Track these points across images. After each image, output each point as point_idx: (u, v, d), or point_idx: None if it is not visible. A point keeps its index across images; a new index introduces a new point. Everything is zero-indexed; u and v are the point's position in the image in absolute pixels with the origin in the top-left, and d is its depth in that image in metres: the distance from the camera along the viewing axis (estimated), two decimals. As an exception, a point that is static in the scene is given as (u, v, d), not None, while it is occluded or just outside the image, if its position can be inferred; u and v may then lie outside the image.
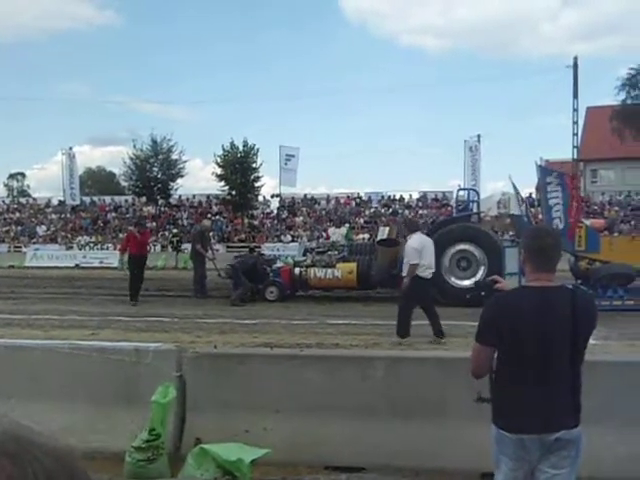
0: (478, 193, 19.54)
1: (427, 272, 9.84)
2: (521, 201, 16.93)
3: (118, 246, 38.08)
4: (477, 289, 3.42)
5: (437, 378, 4.92)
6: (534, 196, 36.30)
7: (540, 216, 23.09)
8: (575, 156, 28.86)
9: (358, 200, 44.64)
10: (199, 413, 5.13)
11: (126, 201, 46.94)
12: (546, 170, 16.24)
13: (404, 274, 9.88)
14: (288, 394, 5.13)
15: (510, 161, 75.83)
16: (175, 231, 33.87)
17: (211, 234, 25.09)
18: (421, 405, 4.89)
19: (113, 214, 45.23)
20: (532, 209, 30.38)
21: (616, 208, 39.00)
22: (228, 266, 15.92)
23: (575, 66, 28.57)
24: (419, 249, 9.75)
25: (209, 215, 39.30)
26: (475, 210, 16.86)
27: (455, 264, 14.94)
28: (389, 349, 8.94)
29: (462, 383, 4.68)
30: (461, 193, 19.84)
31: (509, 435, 2.97)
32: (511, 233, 20.26)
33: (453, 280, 14.85)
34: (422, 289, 9.83)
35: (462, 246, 14.91)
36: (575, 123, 28.28)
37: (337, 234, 18.61)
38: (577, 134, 28.40)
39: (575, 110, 28.21)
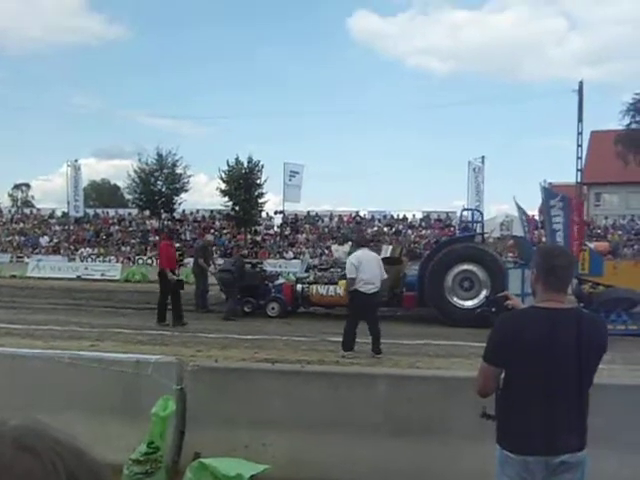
0: (482, 214, 19.54)
1: (367, 287, 10.08)
2: (526, 222, 16.91)
3: (121, 259, 38.32)
4: (488, 305, 3.40)
5: (440, 397, 4.88)
6: (537, 218, 36.36)
7: (543, 238, 23.03)
8: (579, 179, 28.84)
9: (360, 218, 44.70)
10: (199, 427, 5.09)
11: (129, 214, 47.08)
12: (550, 193, 16.24)
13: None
14: (289, 410, 5.09)
15: (514, 183, 76.30)
16: (178, 245, 33.86)
17: (213, 249, 25.03)
18: (423, 424, 4.85)
19: (116, 227, 45.35)
20: (535, 231, 30.40)
21: (619, 232, 39.00)
22: (221, 274, 15.65)
23: (580, 90, 28.67)
24: (356, 264, 10.11)
25: (212, 230, 39.36)
26: (479, 231, 16.85)
27: (458, 284, 14.91)
28: (391, 367, 8.89)
29: (465, 402, 4.65)
30: (465, 213, 19.86)
31: (513, 456, 2.93)
32: (513, 255, 20.20)
33: (455, 300, 14.82)
34: (361, 303, 10.13)
35: (465, 266, 14.89)
36: (579, 146, 28.29)
37: (340, 251, 18.54)
38: (581, 157, 28.39)
39: (580, 134, 28.25)
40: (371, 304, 10.27)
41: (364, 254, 10.38)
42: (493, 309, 3.31)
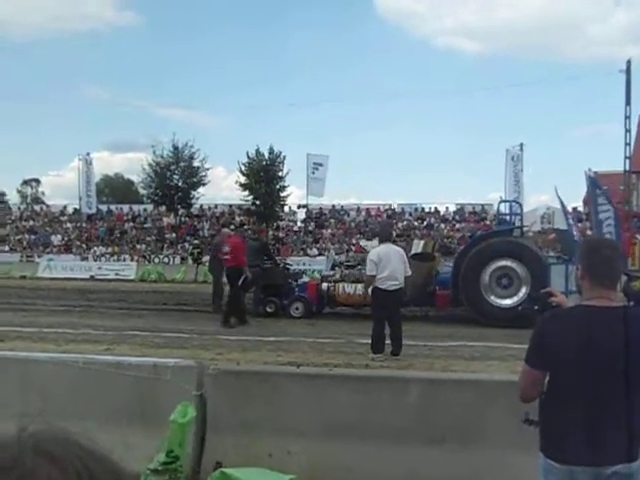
0: (521, 206, 19.34)
1: (387, 283, 10.12)
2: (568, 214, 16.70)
3: (136, 257, 38.70)
4: (530, 302, 3.38)
5: (476, 402, 4.85)
6: (581, 209, 35.93)
7: (588, 232, 22.77)
8: (627, 167, 28.41)
9: (390, 212, 44.59)
10: (220, 435, 5.12)
11: (145, 210, 47.53)
12: (596, 182, 16.06)
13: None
14: (315, 416, 5.10)
15: (555, 172, 75.04)
16: (196, 242, 34.14)
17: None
18: (458, 430, 4.82)
19: (131, 224, 45.84)
20: (579, 224, 30.04)
21: (672, 224, 38.35)
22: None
23: (628, 70, 28.20)
24: (376, 261, 10.20)
25: (232, 226, 39.57)
26: (518, 224, 16.69)
27: (495, 282, 14.79)
28: (424, 370, 8.86)
29: (504, 408, 4.62)
30: (502, 205, 19.67)
31: (558, 466, 2.91)
32: (555, 250, 20.00)
33: (492, 299, 14.71)
34: (382, 301, 10.18)
35: (503, 262, 14.77)
36: (627, 132, 27.86)
37: (369, 247, 18.52)
38: (629, 144, 27.95)
39: (627, 118, 27.81)
40: (393, 302, 10.30)
41: (385, 249, 10.43)
42: (536, 307, 3.29)
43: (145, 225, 45.65)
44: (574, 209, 33.12)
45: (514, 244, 15.09)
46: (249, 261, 14.85)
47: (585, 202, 26.60)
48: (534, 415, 3.08)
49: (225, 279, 15.18)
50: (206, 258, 32.61)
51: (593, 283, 2.95)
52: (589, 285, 2.96)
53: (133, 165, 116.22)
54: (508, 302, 14.56)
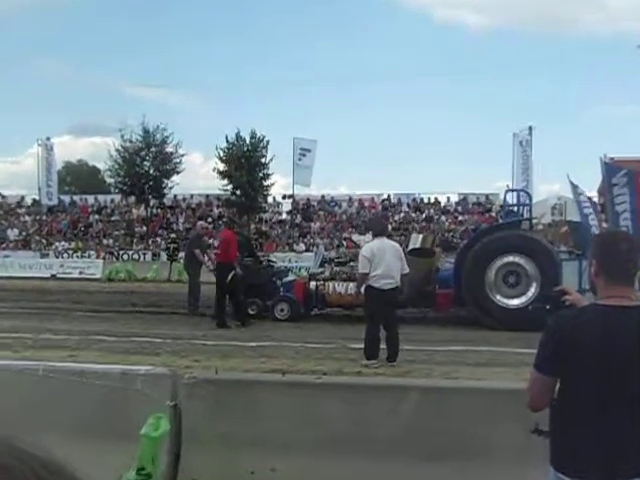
0: (530, 196, 19.43)
1: (381, 282, 10.17)
2: (585, 203, 16.73)
3: (102, 254, 38.58)
4: (541, 301, 3.37)
5: (481, 412, 4.87)
6: (596, 200, 36.12)
7: (604, 224, 22.87)
8: (647, 153, 28.58)
9: (385, 203, 44.65)
10: (196, 450, 5.12)
11: (112, 201, 47.34)
12: (613, 168, 16.11)
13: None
14: (301, 429, 5.11)
15: (568, 159, 75.39)
16: (173, 236, 34.10)
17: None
18: (461, 444, 4.84)
19: (96, 216, 45.64)
20: (602, 214, 30.14)
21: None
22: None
23: (648, 46, 28.35)
24: (369, 257, 10.24)
25: (209, 219, 39.54)
26: (526, 216, 16.77)
27: (502, 279, 14.88)
28: (423, 378, 8.90)
29: (511, 419, 4.64)
30: (509, 195, 19.75)
31: (568, 480, 2.93)
32: (568, 244, 20.10)
33: (499, 298, 14.80)
34: (376, 302, 10.21)
35: (511, 258, 14.85)
36: (647, 113, 27.99)
37: (362, 242, 18.54)
38: (649, 127, 28.11)
39: (647, 98, 27.93)
40: (388, 302, 10.33)
41: (379, 244, 10.47)
42: (547, 306, 3.29)
43: (112, 218, 45.47)
44: (589, 199, 33.20)
45: (522, 238, 15.17)
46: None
47: (600, 192, 26.69)
48: (544, 425, 3.10)
49: (213, 276, 15.38)
50: (182, 254, 32.71)
51: (608, 280, 2.96)
52: (604, 283, 2.98)
53: (99, 151, 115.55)
54: (516, 302, 14.64)
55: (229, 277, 14.44)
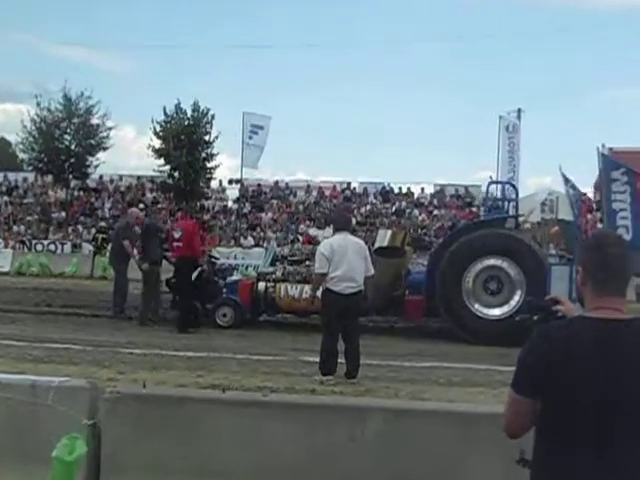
0: (516, 189, 19.67)
1: (341, 285, 10.22)
2: (576, 201, 17.00)
3: (11, 243, 38.03)
4: (528, 311, 3.37)
5: (454, 439, 4.92)
6: (592, 197, 36.72)
7: (599, 224, 23.28)
8: (651, 144, 29.13)
9: (349, 192, 44.78)
10: (118, 476, 5.09)
11: (24, 180, 46.68)
12: (611, 162, 16.39)
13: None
14: (244, 456, 5.11)
15: (561, 148, 76.48)
16: (102, 224, 33.69)
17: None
18: (431, 476, 4.88)
19: (5, 198, 44.97)
20: (589, 215, 30.73)
21: None
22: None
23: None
24: (328, 255, 10.29)
25: (140, 205, 39.21)
26: (512, 212, 16.95)
27: (481, 286, 15.02)
28: (388, 398, 8.95)
29: (488, 447, 4.70)
30: (492, 188, 20.00)
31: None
32: (559, 246, 20.40)
33: (477, 307, 14.94)
34: (334, 308, 10.30)
35: (492, 261, 14.99)
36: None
37: (320, 237, 18.60)
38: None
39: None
40: (349, 309, 10.37)
41: (340, 241, 10.50)
42: (535, 317, 3.31)
43: (25, 200, 44.84)
44: (583, 195, 33.70)
45: (506, 238, 15.32)
46: (158, 253, 15.26)
47: (597, 187, 27.13)
48: (530, 454, 3.13)
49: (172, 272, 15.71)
50: (115, 247, 32.37)
51: (596, 289, 2.99)
52: (591, 292, 3.00)
53: (10, 120, 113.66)
54: (497, 312, 14.80)
55: (194, 274, 14.51)
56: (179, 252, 15.22)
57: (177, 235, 15.21)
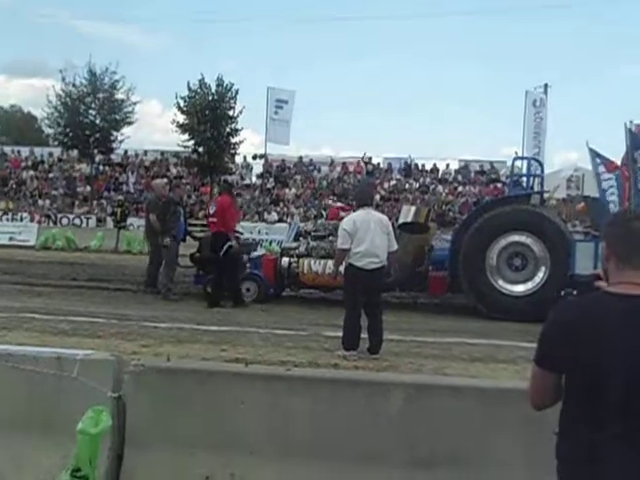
0: (542, 165, 19.51)
1: (364, 261, 10.19)
2: (605, 175, 16.82)
3: (37, 217, 38.23)
4: (570, 285, 3.37)
5: (477, 415, 4.90)
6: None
7: (626, 203, 23.04)
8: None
9: (371, 167, 44.60)
10: (142, 450, 5.11)
11: (50, 155, 46.89)
12: (638, 138, 16.19)
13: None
14: (267, 429, 5.11)
15: (587, 123, 75.84)
16: (121, 199, 33.78)
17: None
18: (453, 451, 4.87)
19: (31, 172, 45.18)
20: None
21: None
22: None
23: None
24: (350, 231, 10.25)
25: (165, 180, 39.23)
26: (537, 188, 16.83)
27: (505, 262, 14.95)
28: (411, 373, 8.94)
29: (511, 423, 4.69)
30: (518, 164, 19.84)
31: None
32: (584, 222, 20.26)
33: (501, 284, 14.88)
34: (357, 283, 10.28)
35: (516, 237, 14.91)
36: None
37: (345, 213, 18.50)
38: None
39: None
40: (372, 284, 10.36)
41: (363, 216, 10.46)
42: (574, 292, 3.30)
43: (50, 174, 45.07)
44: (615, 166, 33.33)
45: (531, 214, 15.22)
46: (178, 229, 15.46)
47: (624, 164, 26.85)
48: None
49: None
50: (135, 221, 32.47)
51: (619, 264, 2.98)
52: (615, 267, 2.99)
53: (37, 95, 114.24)
54: (521, 288, 14.74)
55: (223, 250, 14.66)
56: (214, 227, 15.32)
57: (212, 210, 15.35)
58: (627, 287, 2.92)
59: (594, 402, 2.90)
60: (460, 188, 42.27)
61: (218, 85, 40.26)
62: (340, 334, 10.49)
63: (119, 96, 41.97)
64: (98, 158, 43.87)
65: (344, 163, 45.14)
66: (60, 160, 46.15)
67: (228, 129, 40.58)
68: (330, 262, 14.87)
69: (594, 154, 16.82)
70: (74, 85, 41.42)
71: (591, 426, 2.90)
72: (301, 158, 46.02)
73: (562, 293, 11.61)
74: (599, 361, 2.86)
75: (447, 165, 44.75)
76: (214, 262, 15.08)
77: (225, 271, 14.99)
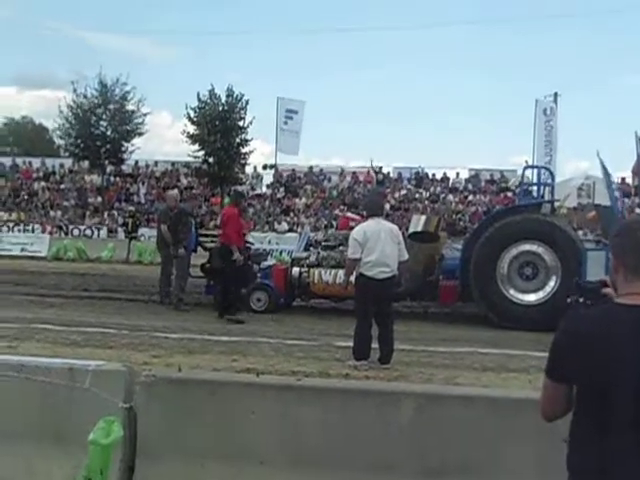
0: (553, 174, 19.51)
1: (375, 270, 10.21)
2: (612, 184, 16.80)
3: (49, 228, 38.37)
4: (577, 292, 3.34)
5: (488, 425, 4.90)
6: (629, 181, 36.26)
7: (637, 210, 23.03)
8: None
9: (381, 176, 44.56)
10: (154, 461, 5.12)
11: (61, 166, 47.03)
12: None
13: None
14: (278, 440, 5.12)
15: (598, 132, 75.62)
16: (132, 209, 33.81)
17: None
18: (464, 461, 4.87)
19: (42, 183, 45.34)
20: (626, 199, 30.33)
21: None
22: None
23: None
24: (361, 241, 10.28)
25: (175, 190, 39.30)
26: (548, 197, 16.81)
27: (516, 271, 14.92)
28: (421, 383, 8.94)
29: (523, 433, 4.68)
30: (528, 173, 19.81)
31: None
32: (595, 231, 20.21)
33: (512, 293, 14.84)
34: (368, 293, 10.29)
35: (527, 246, 14.88)
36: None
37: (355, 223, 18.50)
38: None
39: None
40: (383, 294, 10.37)
41: (373, 226, 10.50)
42: (581, 299, 3.28)
43: (62, 186, 45.20)
44: (622, 180, 33.25)
45: (542, 223, 15.19)
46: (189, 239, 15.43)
47: (634, 172, 26.80)
48: None
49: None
50: (146, 231, 32.51)
51: (628, 276, 2.96)
52: (624, 278, 2.98)
53: (48, 106, 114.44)
54: (532, 298, 14.70)
55: (232, 260, 14.65)
56: (221, 238, 15.35)
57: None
58: (636, 298, 2.91)
59: (604, 413, 2.90)
60: (470, 197, 42.20)
61: (228, 96, 40.33)
62: (351, 344, 10.50)
63: (130, 107, 42.10)
64: (109, 169, 43.99)
65: (354, 173, 45.11)
66: (71, 171, 46.26)
67: (238, 139, 40.62)
68: (341, 272, 14.89)
69: (603, 165, 16.78)
70: (85, 96, 41.58)
71: (601, 436, 2.90)
72: (311, 168, 46.01)
73: (568, 300, 11.59)
74: (608, 372, 2.86)
75: (457, 174, 44.66)
76: (223, 273, 15.08)
77: (231, 282, 14.98)
